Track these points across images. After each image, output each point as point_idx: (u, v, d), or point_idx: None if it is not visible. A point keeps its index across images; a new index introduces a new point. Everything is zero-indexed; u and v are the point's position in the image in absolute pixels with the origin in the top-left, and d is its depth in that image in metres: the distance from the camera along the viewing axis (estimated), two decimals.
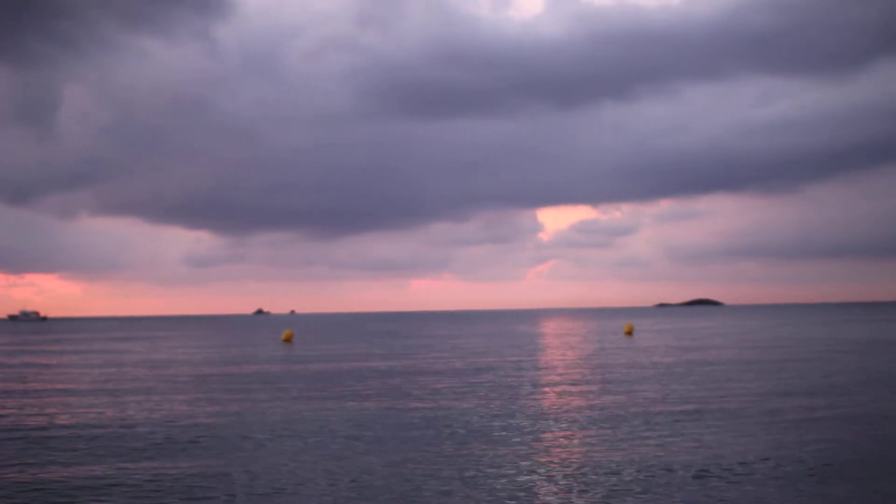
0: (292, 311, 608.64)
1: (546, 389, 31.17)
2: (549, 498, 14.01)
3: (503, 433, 20.68)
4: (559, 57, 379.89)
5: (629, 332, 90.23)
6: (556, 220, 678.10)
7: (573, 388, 31.34)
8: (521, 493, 14.33)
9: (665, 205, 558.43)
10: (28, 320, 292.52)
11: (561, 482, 15.10)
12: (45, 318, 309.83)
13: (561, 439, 19.64)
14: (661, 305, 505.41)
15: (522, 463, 16.92)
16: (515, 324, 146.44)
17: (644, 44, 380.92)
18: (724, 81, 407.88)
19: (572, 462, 16.94)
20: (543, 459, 17.24)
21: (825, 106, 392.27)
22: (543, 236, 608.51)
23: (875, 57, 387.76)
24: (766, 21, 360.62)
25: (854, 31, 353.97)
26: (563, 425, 21.86)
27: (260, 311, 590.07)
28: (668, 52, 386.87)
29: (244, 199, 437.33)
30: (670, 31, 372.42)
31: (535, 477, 15.60)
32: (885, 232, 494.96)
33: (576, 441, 19.39)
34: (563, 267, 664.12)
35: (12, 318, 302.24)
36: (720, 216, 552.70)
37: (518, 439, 19.70)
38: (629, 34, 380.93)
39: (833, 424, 21.43)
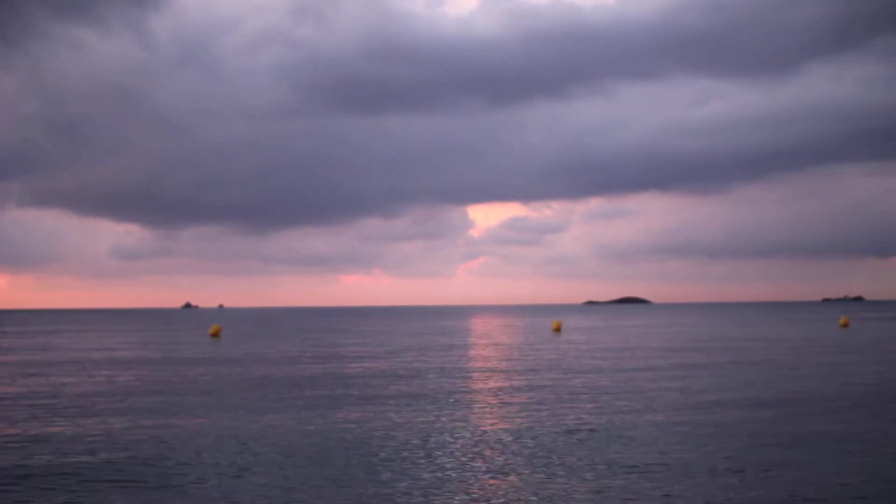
0: (221, 306, 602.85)
1: (472, 389, 31.19)
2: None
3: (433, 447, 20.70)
4: (493, 54, 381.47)
5: (557, 330, 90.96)
6: (487, 216, 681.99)
7: (499, 388, 31.39)
8: None
9: (595, 203, 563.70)
10: None
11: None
12: None
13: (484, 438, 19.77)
14: (590, 303, 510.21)
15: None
16: (445, 321, 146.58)
17: (579, 42, 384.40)
18: (658, 81, 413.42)
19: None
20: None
21: (757, 107, 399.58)
22: (474, 233, 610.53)
23: (807, 60, 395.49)
24: (700, 22, 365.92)
25: (787, 34, 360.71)
26: (483, 423, 22.01)
27: (188, 305, 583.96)
28: (603, 51, 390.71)
29: (175, 192, 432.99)
30: (605, 30, 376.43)
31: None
32: (813, 232, 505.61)
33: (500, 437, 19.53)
34: (493, 264, 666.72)
35: None
36: (650, 215, 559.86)
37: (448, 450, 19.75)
38: (564, 32, 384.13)
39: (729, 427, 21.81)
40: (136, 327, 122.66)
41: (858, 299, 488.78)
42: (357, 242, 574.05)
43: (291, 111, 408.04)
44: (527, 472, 16.30)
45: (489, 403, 27.01)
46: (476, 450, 18.60)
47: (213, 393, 30.53)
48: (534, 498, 14.26)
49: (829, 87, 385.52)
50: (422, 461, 17.39)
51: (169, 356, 52.56)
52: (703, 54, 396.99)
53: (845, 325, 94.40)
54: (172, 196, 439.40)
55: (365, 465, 17.02)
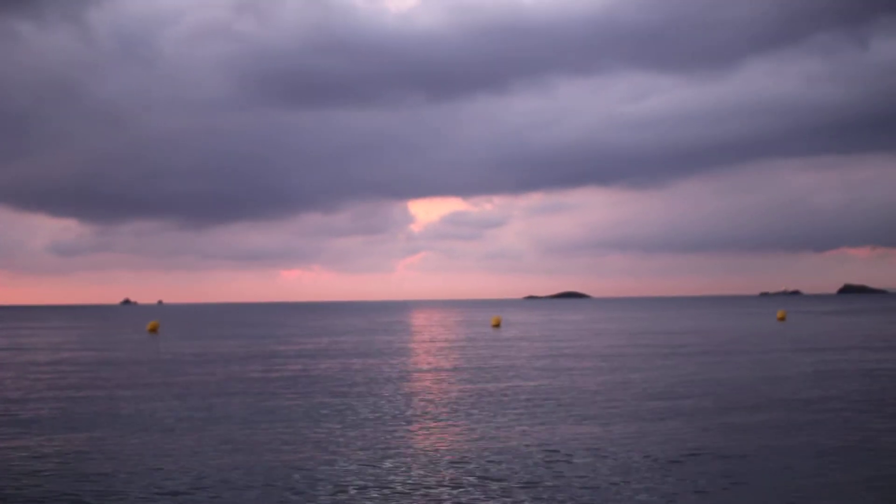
0: (160, 302, 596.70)
1: (411, 387, 30.93)
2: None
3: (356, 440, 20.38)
4: (435, 49, 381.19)
5: (497, 325, 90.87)
6: (427, 211, 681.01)
7: (436, 384, 31.21)
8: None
9: (536, 198, 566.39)
10: None
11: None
12: None
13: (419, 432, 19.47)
14: (530, 298, 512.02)
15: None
16: (385, 316, 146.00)
17: (520, 37, 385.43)
18: (598, 76, 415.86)
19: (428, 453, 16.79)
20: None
21: (696, 102, 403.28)
22: (415, 228, 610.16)
23: (745, 56, 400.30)
24: (641, 18, 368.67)
25: (727, 30, 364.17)
26: (423, 419, 21.75)
27: (127, 301, 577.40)
28: (544, 47, 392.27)
29: (113, 186, 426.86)
30: (547, 26, 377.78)
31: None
32: (750, 227, 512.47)
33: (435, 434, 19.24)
34: (433, 259, 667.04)
35: None
36: (590, 209, 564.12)
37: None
38: (505, 27, 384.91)
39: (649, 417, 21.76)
40: (73, 324, 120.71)
41: (796, 293, 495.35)
42: (297, 237, 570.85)
43: (232, 105, 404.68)
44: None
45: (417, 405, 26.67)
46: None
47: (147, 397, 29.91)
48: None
49: (768, 82, 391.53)
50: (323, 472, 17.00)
51: (105, 355, 51.71)
52: (643, 50, 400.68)
53: (782, 319, 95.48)
54: (111, 190, 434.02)
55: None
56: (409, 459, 17.20)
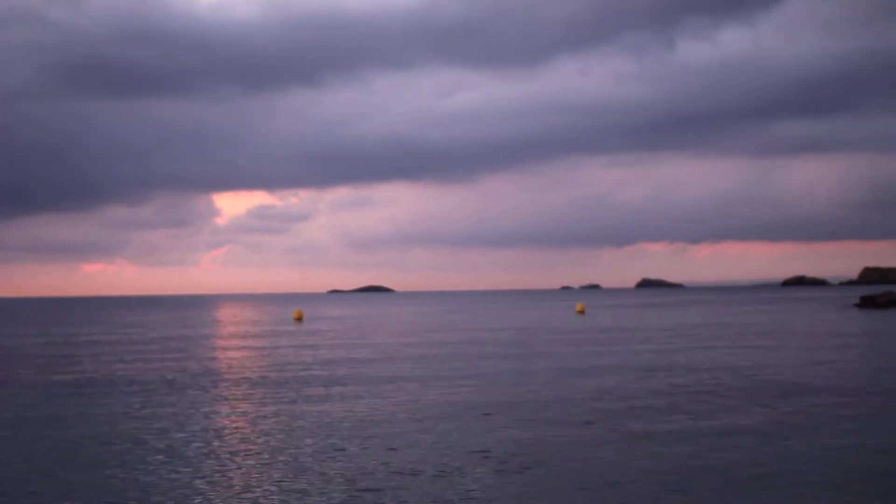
0: None
1: (206, 391, 29.33)
2: None
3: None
4: (249, 40, 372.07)
5: (299, 319, 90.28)
6: (233, 205, 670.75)
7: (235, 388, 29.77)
8: None
9: (343, 192, 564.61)
10: None
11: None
12: None
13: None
14: (334, 291, 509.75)
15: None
16: (188, 310, 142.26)
17: (336, 30, 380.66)
18: (412, 71, 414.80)
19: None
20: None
21: (506, 99, 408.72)
22: (220, 221, 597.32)
23: (556, 53, 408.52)
24: (457, 13, 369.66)
25: (540, 28, 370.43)
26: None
27: None
28: (360, 40, 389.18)
29: None
30: (364, 19, 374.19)
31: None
32: (554, 222, 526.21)
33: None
34: (238, 252, 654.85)
35: None
36: (397, 204, 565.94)
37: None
38: (322, 20, 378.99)
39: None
40: None
41: (595, 287, 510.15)
42: (100, 230, 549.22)
43: (38, 94, 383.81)
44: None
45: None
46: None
47: None
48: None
49: (577, 80, 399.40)
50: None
51: None
52: (457, 45, 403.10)
53: (581, 312, 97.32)
54: None
55: None
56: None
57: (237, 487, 14.35)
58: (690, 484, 14.31)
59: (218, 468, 15.75)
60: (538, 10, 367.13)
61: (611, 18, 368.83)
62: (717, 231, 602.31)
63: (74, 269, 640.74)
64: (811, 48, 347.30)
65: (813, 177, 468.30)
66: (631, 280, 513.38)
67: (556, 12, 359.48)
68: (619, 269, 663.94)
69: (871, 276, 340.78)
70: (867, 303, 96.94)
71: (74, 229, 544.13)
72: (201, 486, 14.39)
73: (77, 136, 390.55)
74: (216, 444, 18.12)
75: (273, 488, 14.23)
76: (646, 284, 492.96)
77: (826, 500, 13.36)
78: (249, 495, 13.81)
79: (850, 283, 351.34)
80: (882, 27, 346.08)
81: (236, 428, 20.12)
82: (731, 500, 13.37)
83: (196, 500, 13.57)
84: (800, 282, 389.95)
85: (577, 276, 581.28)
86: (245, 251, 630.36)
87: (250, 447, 17.71)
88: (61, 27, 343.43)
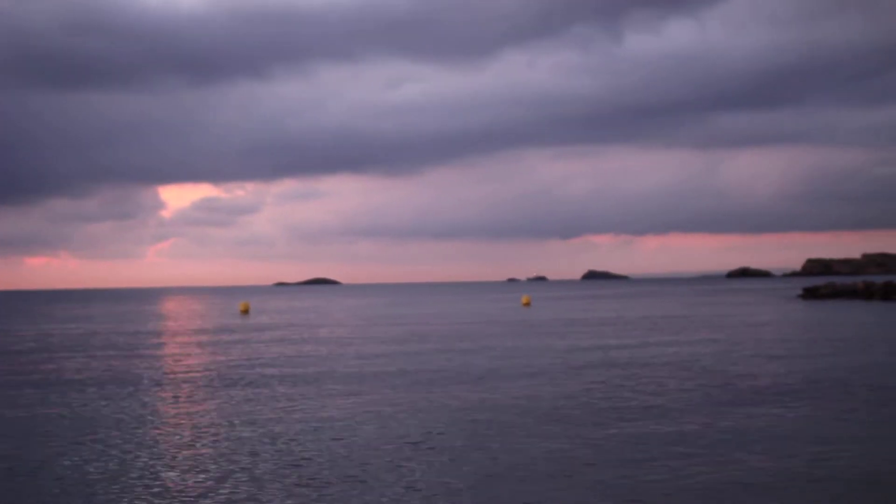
0: None
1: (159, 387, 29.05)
2: None
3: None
4: (197, 32, 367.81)
5: (245, 311, 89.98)
6: (179, 197, 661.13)
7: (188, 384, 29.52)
8: None
9: (289, 184, 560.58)
10: None
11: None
12: None
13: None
14: (280, 284, 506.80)
15: None
16: (132, 304, 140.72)
17: (283, 23, 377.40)
18: (359, 63, 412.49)
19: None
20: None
21: (451, 92, 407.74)
22: (165, 214, 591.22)
23: (502, 46, 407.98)
24: (404, 6, 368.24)
25: (487, 21, 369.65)
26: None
27: None
28: (308, 32, 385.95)
29: None
30: (311, 11, 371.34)
31: None
32: (501, 215, 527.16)
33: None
34: (183, 245, 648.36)
35: None
36: (343, 196, 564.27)
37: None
38: (270, 12, 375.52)
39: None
40: None
41: (542, 279, 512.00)
42: (43, 223, 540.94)
43: None
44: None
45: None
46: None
47: None
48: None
49: (524, 73, 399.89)
50: None
51: None
52: (405, 38, 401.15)
53: (527, 304, 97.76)
54: None
55: None
56: None
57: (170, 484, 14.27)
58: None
59: (152, 464, 15.67)
60: (486, 2, 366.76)
61: (558, 11, 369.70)
62: (663, 223, 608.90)
63: (16, 262, 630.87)
64: (756, 41, 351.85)
65: (757, 169, 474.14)
66: (577, 272, 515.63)
67: (503, 5, 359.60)
68: (566, 261, 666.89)
69: (814, 267, 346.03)
70: (810, 294, 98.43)
71: (16, 223, 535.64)
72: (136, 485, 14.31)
73: (20, 128, 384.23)
74: (149, 441, 18.02)
75: (208, 483, 14.18)
76: (592, 276, 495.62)
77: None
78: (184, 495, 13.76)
79: (794, 274, 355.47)
80: (826, 21, 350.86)
81: (176, 425, 20.00)
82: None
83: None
84: (744, 273, 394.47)
85: (524, 269, 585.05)
86: (191, 244, 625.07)
87: (186, 443, 17.62)
88: (4, 18, 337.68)
